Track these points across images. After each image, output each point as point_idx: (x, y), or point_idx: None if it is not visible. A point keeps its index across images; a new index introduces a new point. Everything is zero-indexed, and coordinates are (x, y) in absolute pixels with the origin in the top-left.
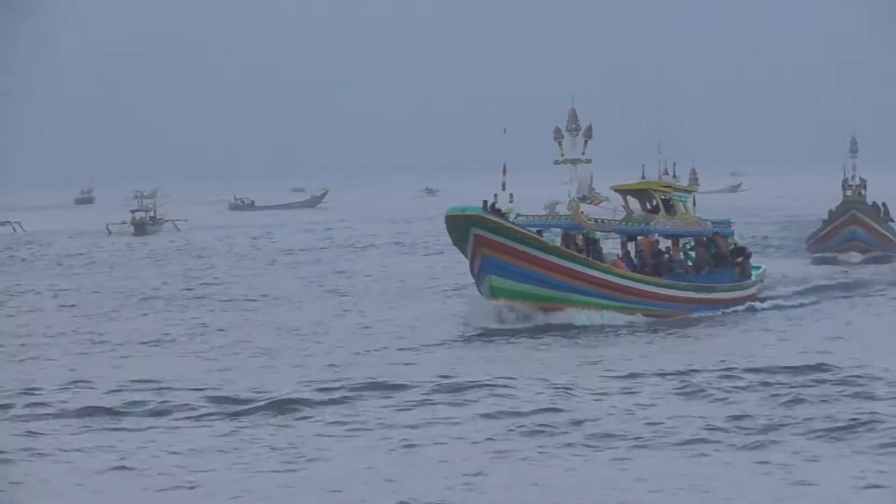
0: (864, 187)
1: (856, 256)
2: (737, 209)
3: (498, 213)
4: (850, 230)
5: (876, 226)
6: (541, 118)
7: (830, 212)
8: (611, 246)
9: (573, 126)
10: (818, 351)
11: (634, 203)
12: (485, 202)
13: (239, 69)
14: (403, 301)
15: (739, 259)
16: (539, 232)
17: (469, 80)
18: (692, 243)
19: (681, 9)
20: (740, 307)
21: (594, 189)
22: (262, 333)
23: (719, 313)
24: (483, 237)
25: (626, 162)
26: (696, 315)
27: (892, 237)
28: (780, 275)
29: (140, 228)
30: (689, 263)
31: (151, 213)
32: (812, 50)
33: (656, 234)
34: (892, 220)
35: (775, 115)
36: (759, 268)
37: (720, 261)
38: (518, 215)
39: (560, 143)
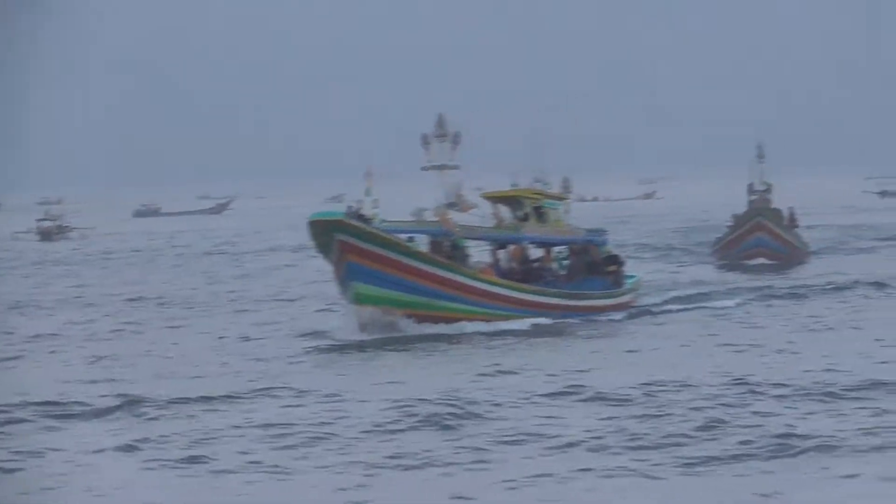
0: (770, 192)
1: (761, 261)
2: (647, 215)
3: (362, 218)
4: (755, 237)
5: (781, 232)
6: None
7: (734, 216)
8: (483, 253)
9: (440, 132)
10: (671, 363)
11: (505, 210)
12: (349, 207)
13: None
14: (273, 308)
15: (612, 267)
16: (410, 238)
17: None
18: (566, 251)
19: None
20: (613, 315)
21: (463, 196)
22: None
23: (589, 321)
24: (347, 243)
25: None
26: (565, 322)
27: (797, 243)
28: (670, 281)
29: (46, 236)
30: (562, 271)
31: (58, 222)
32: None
33: (526, 242)
34: (798, 226)
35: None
36: (633, 276)
37: (593, 269)
38: (383, 221)
39: (427, 150)
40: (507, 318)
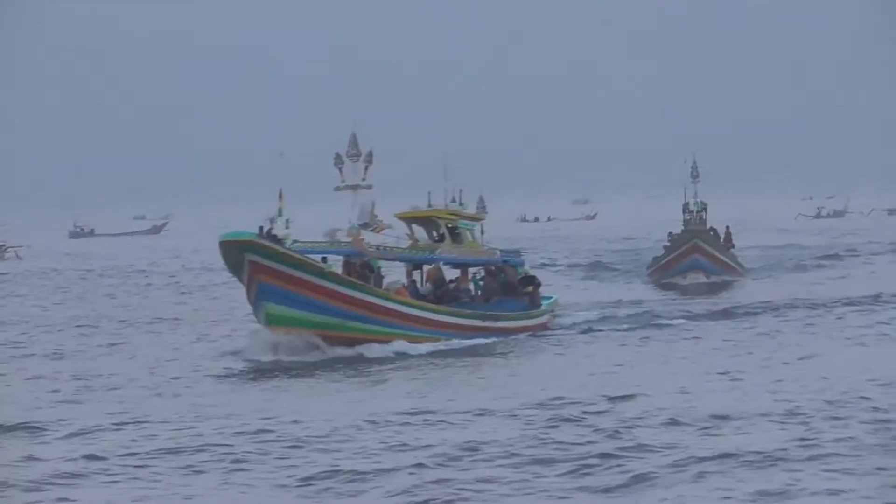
0: (705, 211)
1: (697, 280)
2: (587, 236)
3: (274, 238)
4: (692, 259)
5: (717, 254)
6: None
7: (670, 234)
8: (399, 274)
9: (353, 152)
10: (579, 384)
11: (420, 231)
12: (260, 228)
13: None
14: (195, 328)
15: (529, 288)
16: (324, 259)
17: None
18: (482, 272)
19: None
20: (529, 335)
21: (377, 216)
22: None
23: (503, 342)
24: (258, 263)
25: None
26: (480, 344)
27: (733, 264)
28: (598, 302)
29: None
30: (478, 292)
31: None
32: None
33: (441, 263)
34: (734, 246)
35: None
36: (549, 297)
37: (509, 290)
38: (295, 241)
39: (340, 170)
40: (420, 339)
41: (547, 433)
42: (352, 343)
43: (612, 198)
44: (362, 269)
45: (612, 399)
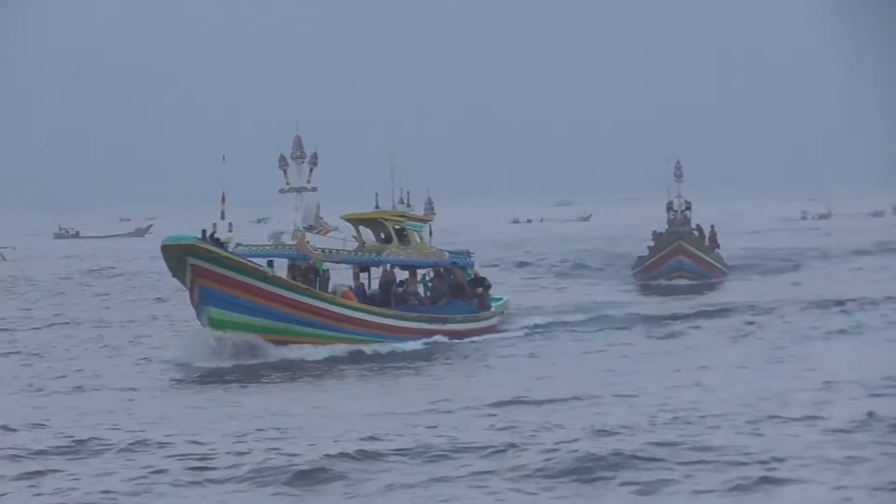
0: (690, 209)
1: (683, 282)
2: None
3: (216, 242)
4: (676, 260)
5: (702, 255)
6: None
7: (654, 233)
8: (347, 277)
9: (298, 154)
10: (525, 389)
11: (367, 233)
12: (203, 231)
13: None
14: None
15: (478, 290)
16: (270, 263)
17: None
18: (431, 274)
19: None
20: (476, 338)
21: (322, 218)
22: None
23: (450, 344)
24: (200, 267)
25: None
26: (427, 345)
27: (718, 265)
28: (572, 303)
29: None
30: (427, 294)
31: None
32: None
33: (389, 265)
34: (719, 246)
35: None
36: (500, 299)
37: (457, 291)
38: (238, 245)
39: (285, 172)
40: (366, 342)
41: (463, 434)
42: (299, 345)
43: (595, 199)
44: (308, 272)
45: (540, 403)
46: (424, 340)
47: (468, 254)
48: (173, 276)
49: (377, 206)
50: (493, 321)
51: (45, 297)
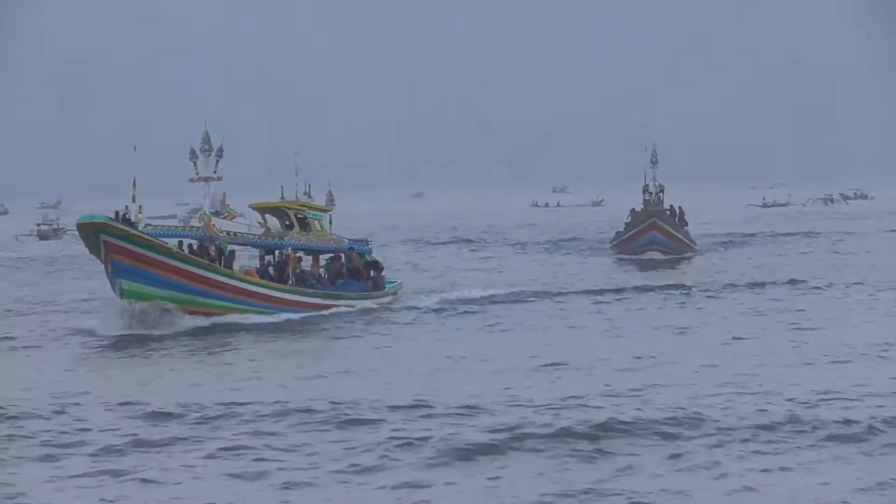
0: (663, 192)
1: (657, 256)
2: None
3: (127, 222)
4: (650, 235)
5: (673, 231)
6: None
7: (632, 211)
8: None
9: (206, 147)
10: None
11: (273, 220)
12: (116, 213)
13: None
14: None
15: (373, 273)
16: (180, 243)
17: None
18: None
19: None
20: (366, 313)
21: (228, 205)
22: None
23: (337, 318)
24: (111, 243)
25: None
26: (318, 317)
27: (687, 241)
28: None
29: (44, 237)
30: (326, 275)
31: (54, 225)
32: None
33: (289, 248)
34: (687, 224)
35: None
36: (393, 281)
37: (353, 273)
38: (147, 225)
39: (195, 164)
40: (264, 314)
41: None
42: (202, 315)
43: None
44: (216, 252)
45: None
46: (316, 314)
47: (366, 241)
48: (90, 252)
49: (282, 197)
50: (386, 300)
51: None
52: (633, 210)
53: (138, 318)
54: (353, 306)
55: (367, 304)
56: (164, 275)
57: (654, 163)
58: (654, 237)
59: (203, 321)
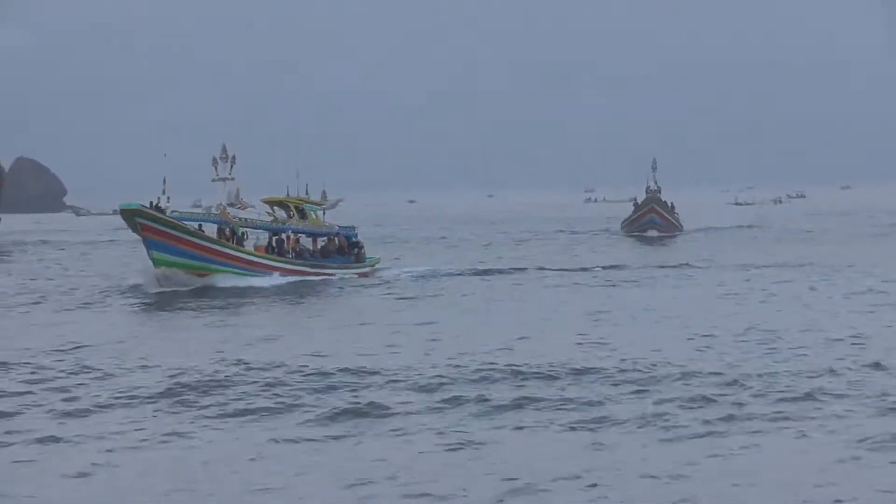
0: (660, 191)
1: (653, 233)
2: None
3: (158, 209)
4: (649, 217)
5: (666, 214)
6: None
7: (635, 201)
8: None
9: (224, 155)
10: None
11: (280, 211)
12: (150, 202)
13: None
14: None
15: (356, 250)
16: (200, 226)
17: None
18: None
19: None
20: (347, 279)
21: (242, 198)
22: None
23: (325, 283)
24: (145, 224)
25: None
26: (302, 282)
27: (676, 223)
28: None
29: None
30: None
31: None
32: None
33: (290, 232)
34: (678, 212)
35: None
36: (372, 257)
37: (341, 251)
38: (173, 211)
39: (215, 168)
40: (259, 277)
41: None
42: (213, 278)
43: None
44: (230, 233)
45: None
46: (304, 279)
47: (352, 228)
48: (132, 231)
49: (287, 194)
50: (364, 270)
51: None
52: (635, 200)
53: (165, 279)
54: (334, 275)
55: (347, 273)
56: (183, 247)
57: (654, 168)
58: (653, 219)
59: (211, 280)
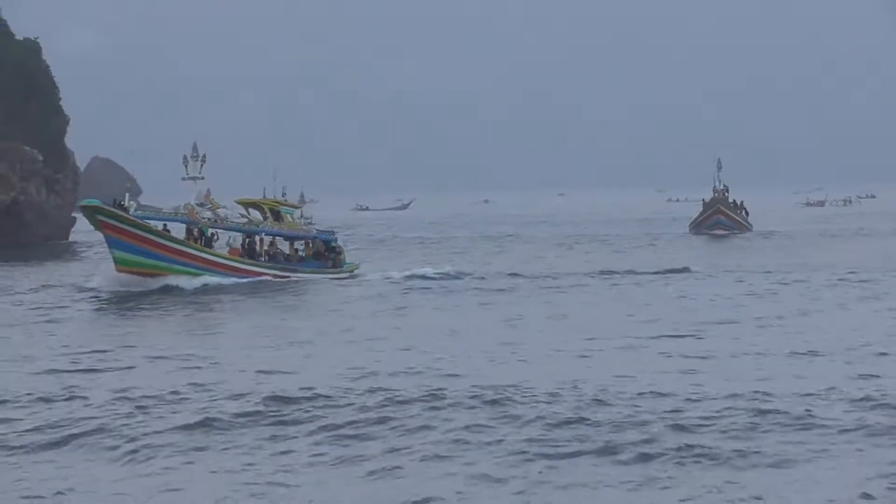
0: (728, 191)
1: (721, 233)
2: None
3: (121, 206)
4: (716, 218)
5: (733, 215)
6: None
7: (703, 201)
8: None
9: (195, 154)
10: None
11: (255, 213)
12: (114, 200)
13: None
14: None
15: (333, 255)
16: (165, 226)
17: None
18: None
19: None
20: (321, 283)
21: (212, 198)
22: None
23: (297, 285)
24: (105, 222)
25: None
26: (267, 284)
27: (744, 222)
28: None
29: None
30: (296, 254)
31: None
32: None
33: (262, 234)
34: (747, 212)
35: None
36: (351, 263)
37: (318, 255)
38: (137, 209)
39: (186, 167)
40: (223, 278)
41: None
42: (172, 277)
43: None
44: (199, 234)
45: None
46: (275, 281)
47: (332, 232)
48: (95, 229)
49: (264, 196)
50: (342, 275)
51: None
52: (703, 201)
53: (125, 278)
54: (306, 279)
55: (321, 277)
56: (145, 247)
57: (720, 168)
58: (719, 219)
59: (174, 281)
